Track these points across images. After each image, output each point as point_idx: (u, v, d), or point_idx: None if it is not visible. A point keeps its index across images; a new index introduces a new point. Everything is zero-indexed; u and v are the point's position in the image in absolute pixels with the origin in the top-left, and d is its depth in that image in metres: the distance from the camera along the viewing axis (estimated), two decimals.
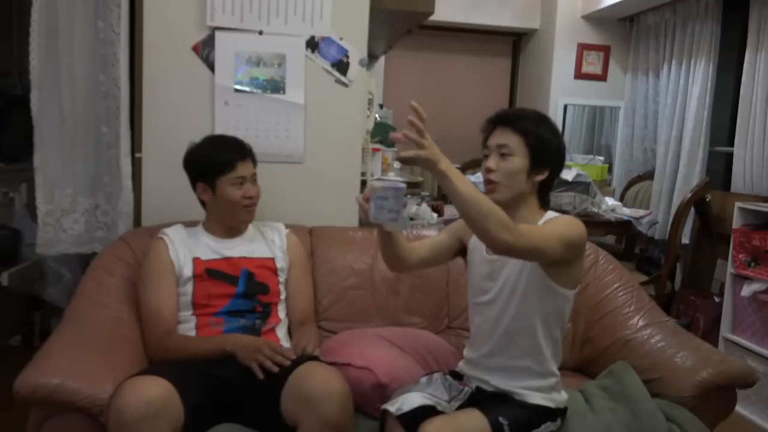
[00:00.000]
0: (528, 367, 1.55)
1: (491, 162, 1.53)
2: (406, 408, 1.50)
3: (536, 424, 1.51)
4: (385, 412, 1.54)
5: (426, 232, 2.22)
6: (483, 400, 1.55)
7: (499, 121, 1.56)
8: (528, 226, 1.44)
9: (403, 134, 1.27)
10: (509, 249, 1.33)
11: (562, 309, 1.57)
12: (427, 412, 1.49)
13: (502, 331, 1.57)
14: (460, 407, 1.54)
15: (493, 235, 1.30)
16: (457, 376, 1.66)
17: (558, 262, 1.47)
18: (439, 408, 1.52)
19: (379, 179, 1.41)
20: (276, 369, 1.59)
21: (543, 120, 1.57)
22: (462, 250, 1.72)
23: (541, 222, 1.55)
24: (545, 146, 1.53)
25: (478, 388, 1.61)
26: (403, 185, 1.39)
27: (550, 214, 1.57)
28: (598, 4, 4.65)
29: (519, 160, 1.51)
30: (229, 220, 1.90)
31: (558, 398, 1.58)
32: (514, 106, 5.65)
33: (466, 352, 1.69)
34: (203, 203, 1.92)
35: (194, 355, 1.67)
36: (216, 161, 1.84)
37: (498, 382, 1.57)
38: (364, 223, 1.49)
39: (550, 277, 1.50)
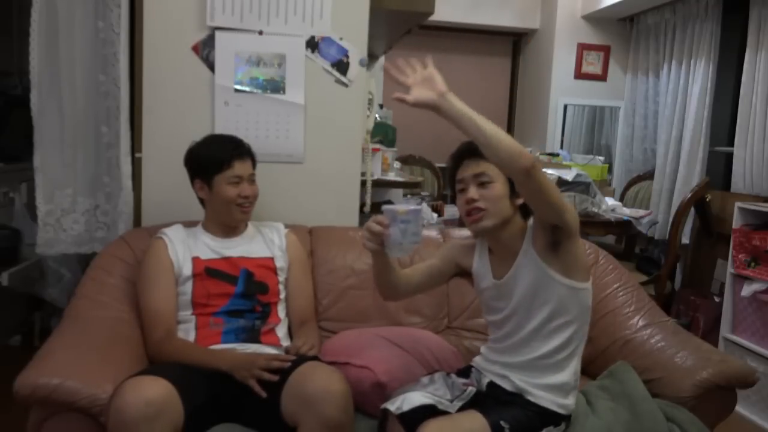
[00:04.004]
0: (549, 364, 1.54)
1: (472, 193, 1.50)
2: (406, 407, 1.50)
3: (538, 428, 1.50)
4: (385, 411, 1.54)
5: (426, 233, 2.22)
6: (487, 400, 1.55)
7: (466, 154, 1.53)
8: None
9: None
10: (528, 170, 1.29)
11: (584, 302, 1.55)
12: (427, 411, 1.49)
13: (522, 339, 1.56)
14: (462, 408, 1.53)
15: (515, 162, 1.28)
16: (463, 374, 1.66)
17: (564, 235, 1.45)
18: (440, 407, 1.51)
19: (389, 206, 1.39)
20: (276, 378, 1.58)
21: None
22: (459, 273, 1.71)
23: (528, 236, 1.54)
24: None
25: (491, 384, 1.59)
26: (422, 206, 1.37)
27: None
28: (598, 4, 4.65)
29: (500, 185, 1.50)
30: (224, 219, 1.90)
31: (568, 405, 1.55)
32: (514, 106, 5.66)
33: (484, 350, 1.68)
34: (202, 201, 1.92)
35: (189, 363, 1.66)
36: (214, 158, 1.84)
37: (517, 377, 1.55)
38: (374, 249, 1.45)
39: (562, 273, 1.49)
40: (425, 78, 1.32)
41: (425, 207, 1.38)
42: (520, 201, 1.53)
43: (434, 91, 1.30)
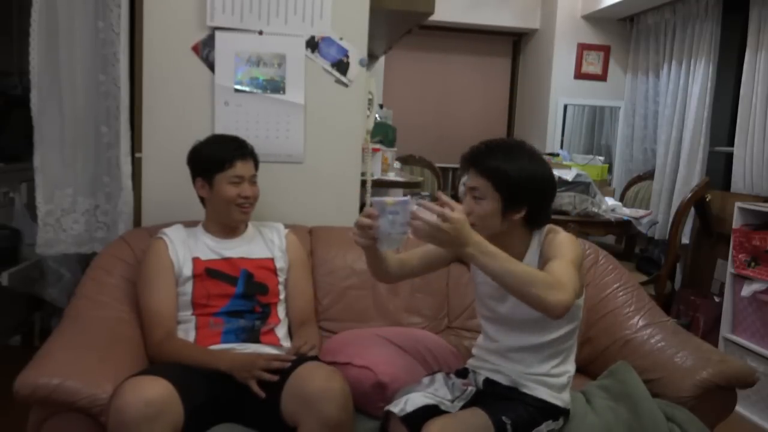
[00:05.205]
0: (542, 365, 1.56)
1: (465, 205, 1.49)
2: (410, 408, 1.50)
3: (538, 422, 1.51)
4: (388, 413, 1.54)
5: None
6: (487, 398, 1.56)
7: (467, 161, 1.52)
8: (555, 268, 1.39)
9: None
10: (567, 306, 1.32)
11: (574, 316, 1.57)
12: (430, 411, 1.49)
13: (514, 341, 1.58)
14: (463, 407, 1.54)
15: (545, 301, 1.30)
16: (462, 374, 1.66)
17: None
18: (443, 407, 1.52)
19: (377, 197, 1.41)
20: (275, 378, 1.58)
21: (515, 153, 1.50)
22: (457, 259, 1.71)
23: (533, 247, 1.53)
24: (517, 184, 1.45)
25: (486, 381, 1.60)
26: (409, 198, 1.39)
27: (541, 232, 1.55)
28: (598, 4, 4.65)
29: (489, 203, 1.47)
30: (224, 219, 1.90)
31: (565, 398, 1.58)
32: (514, 106, 5.66)
33: (476, 351, 1.69)
34: (202, 201, 1.92)
35: (189, 364, 1.65)
36: (216, 157, 1.84)
37: (510, 371, 1.57)
38: (365, 245, 1.46)
39: None
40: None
41: (412, 201, 1.39)
42: (517, 216, 1.49)
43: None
